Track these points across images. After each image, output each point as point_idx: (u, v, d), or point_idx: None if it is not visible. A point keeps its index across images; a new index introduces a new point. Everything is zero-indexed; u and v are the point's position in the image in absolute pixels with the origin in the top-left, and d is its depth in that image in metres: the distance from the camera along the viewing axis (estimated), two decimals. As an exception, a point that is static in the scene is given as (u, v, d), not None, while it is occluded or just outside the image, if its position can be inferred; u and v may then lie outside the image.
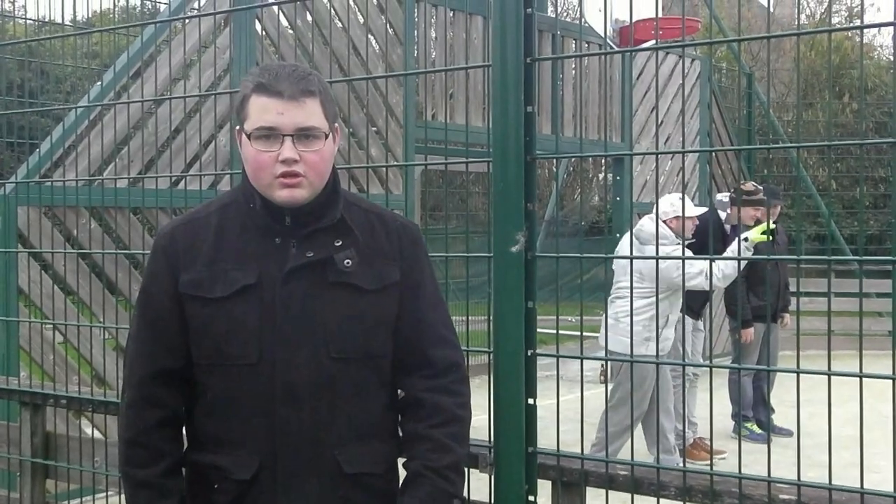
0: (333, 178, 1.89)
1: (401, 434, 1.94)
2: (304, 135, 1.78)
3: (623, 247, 5.61)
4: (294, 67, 1.82)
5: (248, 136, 1.80)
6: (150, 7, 8.37)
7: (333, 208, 1.86)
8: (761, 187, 6.36)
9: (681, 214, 5.51)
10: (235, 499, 1.83)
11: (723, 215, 6.52)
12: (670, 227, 5.56)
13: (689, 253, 5.41)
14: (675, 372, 6.55)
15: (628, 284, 5.53)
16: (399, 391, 1.95)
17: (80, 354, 5.17)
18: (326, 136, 1.82)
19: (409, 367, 1.91)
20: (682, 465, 2.13)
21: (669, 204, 5.66)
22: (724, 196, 6.63)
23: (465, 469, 1.94)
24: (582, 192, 11.87)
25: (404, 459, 1.92)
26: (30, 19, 8.27)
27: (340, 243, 1.85)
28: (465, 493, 2.16)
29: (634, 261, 5.33)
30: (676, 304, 5.50)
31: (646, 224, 5.48)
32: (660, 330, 5.37)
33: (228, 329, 1.81)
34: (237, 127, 1.86)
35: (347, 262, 1.84)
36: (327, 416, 1.82)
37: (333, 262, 1.84)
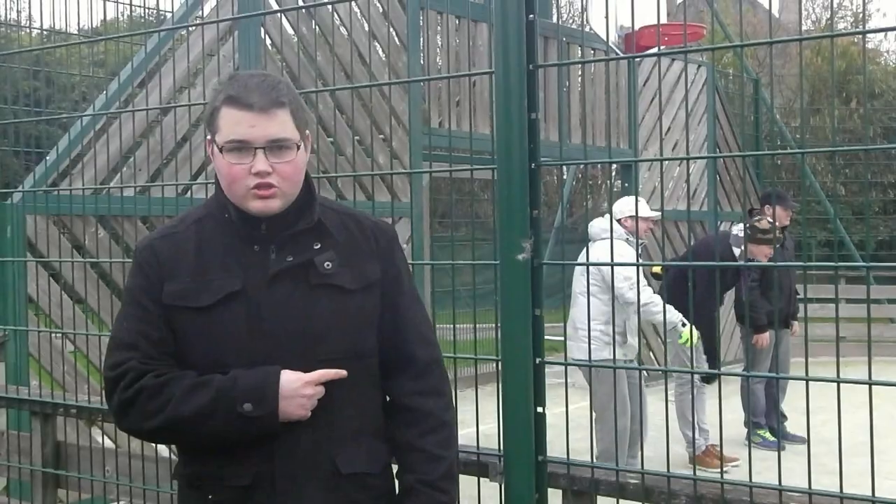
0: (307, 184, 1.91)
1: (390, 439, 1.95)
2: (275, 146, 1.79)
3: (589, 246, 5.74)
4: (263, 77, 1.83)
5: (220, 149, 1.81)
6: (154, 16, 8.40)
7: (309, 212, 1.88)
8: (776, 224, 6.33)
9: (636, 214, 5.69)
10: None
11: (737, 251, 6.43)
12: (624, 226, 5.74)
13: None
14: (681, 379, 6.54)
15: (581, 289, 5.65)
16: (385, 395, 1.96)
17: (90, 363, 5.17)
18: (298, 146, 1.83)
19: (394, 368, 1.93)
20: (683, 473, 2.12)
21: (626, 203, 5.90)
22: (739, 231, 6.51)
23: (457, 471, 1.95)
24: (588, 199, 11.86)
25: (396, 465, 1.94)
26: (37, 29, 8.31)
27: (319, 246, 1.87)
28: (476, 502, 2.16)
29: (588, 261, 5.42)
30: (632, 313, 5.59)
31: (596, 222, 5.68)
32: (617, 336, 5.47)
33: (217, 337, 1.82)
34: (208, 137, 1.86)
35: (328, 265, 1.85)
36: (322, 418, 1.83)
37: (314, 265, 1.85)
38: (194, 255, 1.86)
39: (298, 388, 1.78)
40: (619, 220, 5.76)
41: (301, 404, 1.78)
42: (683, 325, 5.65)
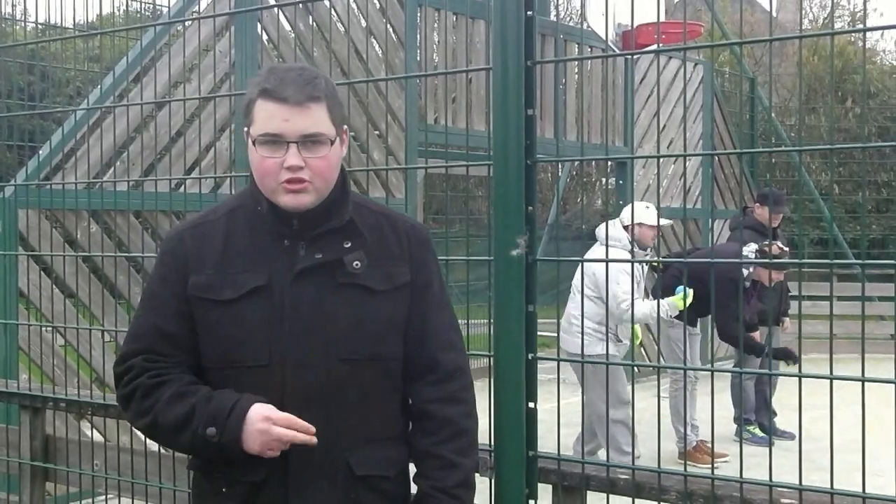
0: (342, 180, 1.88)
1: (410, 445, 1.94)
2: (309, 141, 1.77)
3: (594, 249, 5.72)
4: (301, 71, 1.80)
5: (254, 142, 1.79)
6: (150, 11, 8.38)
7: (342, 210, 1.86)
8: (787, 249, 6.32)
9: (643, 222, 5.67)
10: (245, 502, 1.82)
11: (745, 271, 6.42)
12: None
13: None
14: (675, 375, 6.56)
15: (578, 284, 5.66)
16: (408, 399, 1.94)
17: (80, 356, 5.16)
18: (332, 142, 1.81)
19: (416, 372, 1.90)
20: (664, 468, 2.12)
21: (634, 209, 5.80)
22: (750, 252, 6.48)
23: (475, 478, 1.93)
24: (584, 196, 11.88)
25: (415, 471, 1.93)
26: (32, 23, 8.29)
27: (349, 245, 1.84)
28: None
29: (590, 263, 5.43)
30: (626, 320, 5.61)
31: (604, 226, 5.62)
32: (611, 333, 5.48)
33: (239, 331, 1.81)
34: (245, 129, 1.85)
35: (356, 264, 1.83)
36: (338, 417, 1.81)
37: (342, 264, 1.83)
38: (222, 246, 1.84)
39: (257, 423, 1.74)
40: (625, 227, 5.70)
41: (254, 439, 1.74)
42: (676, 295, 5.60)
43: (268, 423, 1.74)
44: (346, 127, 1.89)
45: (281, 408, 1.78)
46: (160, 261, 1.90)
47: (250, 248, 1.84)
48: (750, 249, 6.44)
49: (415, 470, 1.92)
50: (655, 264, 6.48)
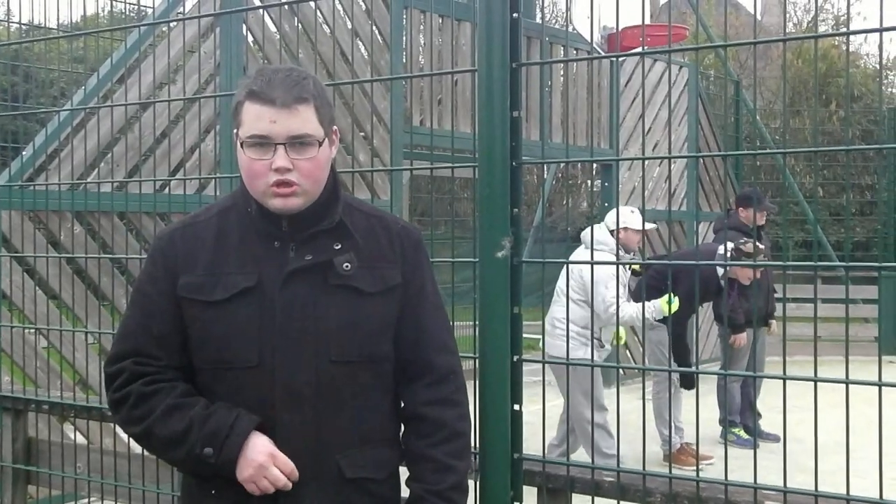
0: (333, 181, 1.88)
1: (403, 447, 1.93)
2: (297, 142, 1.77)
3: (579, 252, 5.73)
4: (289, 72, 1.80)
5: (242, 144, 1.79)
6: (135, 11, 8.34)
7: (332, 211, 1.85)
8: (762, 247, 6.34)
9: (629, 226, 5.66)
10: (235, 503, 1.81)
11: (720, 271, 6.45)
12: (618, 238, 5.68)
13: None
14: (659, 377, 6.57)
15: (563, 288, 5.68)
16: (401, 402, 1.94)
17: (63, 358, 5.12)
18: (321, 143, 1.80)
19: (411, 375, 1.90)
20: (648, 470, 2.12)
21: (621, 214, 5.78)
22: (729, 251, 6.49)
23: (468, 483, 1.92)
24: (569, 198, 11.90)
25: (408, 474, 1.92)
26: (16, 23, 8.24)
27: (339, 247, 1.84)
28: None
29: (576, 266, 5.39)
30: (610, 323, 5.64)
31: (592, 230, 5.63)
32: (595, 338, 5.50)
33: (229, 332, 1.80)
34: (234, 130, 1.85)
35: (346, 266, 1.83)
36: (328, 420, 1.81)
37: (333, 266, 1.83)
38: (213, 247, 1.84)
39: (260, 456, 1.75)
40: (611, 231, 5.68)
41: (246, 468, 1.75)
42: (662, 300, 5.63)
43: (269, 461, 1.75)
44: (335, 128, 1.89)
45: (271, 408, 1.78)
46: (150, 261, 1.89)
47: (241, 249, 1.84)
48: (729, 248, 6.47)
49: (406, 472, 1.92)
50: (636, 267, 6.49)
